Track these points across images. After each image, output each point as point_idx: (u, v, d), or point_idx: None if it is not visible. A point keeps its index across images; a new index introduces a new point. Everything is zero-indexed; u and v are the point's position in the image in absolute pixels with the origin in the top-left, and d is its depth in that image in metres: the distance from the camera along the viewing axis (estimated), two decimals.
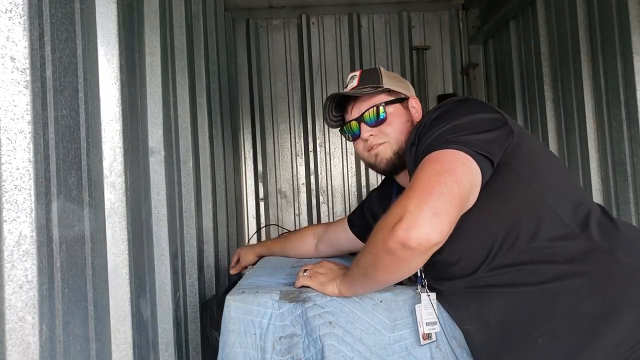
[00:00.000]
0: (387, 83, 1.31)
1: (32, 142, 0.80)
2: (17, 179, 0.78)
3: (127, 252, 1.14)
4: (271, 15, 3.38)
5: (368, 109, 1.28)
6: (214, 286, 2.18)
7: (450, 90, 3.42)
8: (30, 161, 0.79)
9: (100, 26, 1.11)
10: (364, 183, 3.36)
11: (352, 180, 3.37)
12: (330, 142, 3.38)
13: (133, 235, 1.20)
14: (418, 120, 1.28)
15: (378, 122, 1.26)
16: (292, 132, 3.39)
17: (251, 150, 3.37)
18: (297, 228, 3.33)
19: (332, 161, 3.38)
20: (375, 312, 1.20)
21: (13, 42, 0.78)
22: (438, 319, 1.18)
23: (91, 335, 1.01)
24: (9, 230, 0.78)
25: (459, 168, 0.93)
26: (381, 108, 1.27)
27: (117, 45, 1.14)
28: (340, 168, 3.38)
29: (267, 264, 1.71)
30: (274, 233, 3.32)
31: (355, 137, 1.32)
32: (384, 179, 1.56)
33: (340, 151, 3.37)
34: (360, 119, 1.29)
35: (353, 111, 1.32)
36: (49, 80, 0.87)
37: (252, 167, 3.37)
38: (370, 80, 1.30)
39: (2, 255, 0.77)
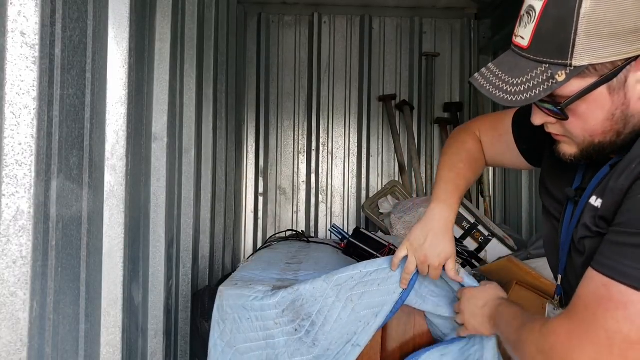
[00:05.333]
0: (585, 49, 0.69)
1: (37, 119, 0.80)
2: (18, 154, 0.78)
3: (123, 235, 1.14)
4: (284, 11, 3.38)
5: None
6: (207, 277, 2.18)
7: (457, 99, 3.42)
8: (33, 137, 0.79)
9: (112, 8, 1.11)
10: (364, 185, 3.35)
11: (353, 181, 3.37)
12: (334, 142, 3.37)
13: (130, 219, 1.20)
14: None
15: (555, 114, 0.79)
16: (296, 129, 3.38)
17: (254, 145, 3.36)
18: (294, 226, 3.32)
19: (334, 161, 3.38)
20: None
21: (24, 17, 0.78)
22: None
23: (81, 316, 1.01)
24: (7, 204, 0.78)
25: None
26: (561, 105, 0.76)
27: (127, 29, 1.14)
28: (341, 168, 3.37)
29: (262, 259, 1.71)
30: (270, 230, 3.31)
31: None
32: None
33: (343, 152, 3.37)
34: None
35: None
36: (58, 58, 0.87)
37: (254, 161, 3.37)
38: (553, 43, 0.72)
39: None
